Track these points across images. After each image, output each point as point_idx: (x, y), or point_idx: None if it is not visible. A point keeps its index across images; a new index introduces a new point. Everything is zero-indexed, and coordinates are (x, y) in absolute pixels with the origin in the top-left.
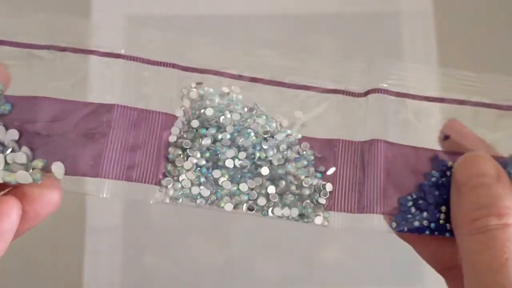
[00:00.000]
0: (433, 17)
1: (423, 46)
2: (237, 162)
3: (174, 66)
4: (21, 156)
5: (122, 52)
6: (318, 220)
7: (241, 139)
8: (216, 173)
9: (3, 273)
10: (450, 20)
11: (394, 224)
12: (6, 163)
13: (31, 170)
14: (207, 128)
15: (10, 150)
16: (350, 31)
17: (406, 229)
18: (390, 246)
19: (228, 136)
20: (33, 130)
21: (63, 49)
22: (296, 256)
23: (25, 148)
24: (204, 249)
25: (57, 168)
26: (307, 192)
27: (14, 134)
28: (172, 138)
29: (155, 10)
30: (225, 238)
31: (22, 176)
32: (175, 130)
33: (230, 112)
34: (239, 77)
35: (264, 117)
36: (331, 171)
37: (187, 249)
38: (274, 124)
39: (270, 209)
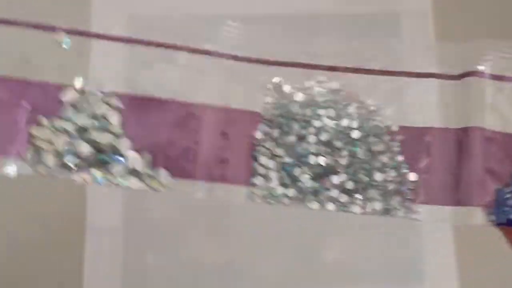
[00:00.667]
0: (433, 17)
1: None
2: (321, 159)
3: (257, 61)
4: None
5: (208, 48)
6: (407, 214)
7: (326, 134)
8: (300, 171)
9: (3, 273)
10: (449, 20)
11: (492, 217)
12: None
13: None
14: (292, 124)
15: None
16: (350, 31)
17: (505, 221)
18: (390, 246)
19: (313, 131)
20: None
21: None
22: (296, 255)
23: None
24: (204, 249)
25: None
26: (393, 185)
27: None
28: (258, 135)
29: (155, 10)
30: (225, 238)
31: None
32: (261, 127)
33: (316, 106)
34: (323, 68)
35: (353, 107)
36: (423, 162)
37: (187, 249)
38: (362, 114)
39: (355, 205)
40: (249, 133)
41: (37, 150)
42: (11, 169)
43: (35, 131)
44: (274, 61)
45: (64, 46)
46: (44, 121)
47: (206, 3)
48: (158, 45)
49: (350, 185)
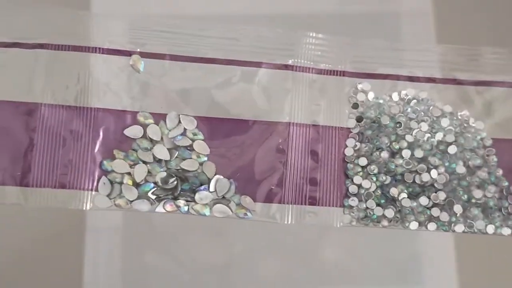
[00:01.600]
0: (433, 17)
1: None
2: (417, 177)
3: (342, 73)
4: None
5: (290, 62)
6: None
7: (420, 150)
8: (396, 190)
9: (3, 273)
10: (449, 20)
11: None
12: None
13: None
14: (383, 139)
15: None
16: (350, 31)
17: None
18: (390, 246)
19: (406, 145)
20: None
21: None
22: (296, 256)
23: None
24: (204, 249)
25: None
26: (493, 202)
27: None
28: (349, 152)
29: (155, 10)
30: (225, 238)
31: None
32: (350, 142)
33: (407, 118)
34: (411, 79)
35: (446, 120)
36: None
37: (187, 249)
38: (457, 127)
39: (455, 224)
40: (339, 151)
41: (114, 183)
42: (88, 204)
43: (109, 164)
44: (359, 73)
45: (141, 69)
46: (119, 153)
47: (217, 4)
48: (239, 63)
49: (450, 203)
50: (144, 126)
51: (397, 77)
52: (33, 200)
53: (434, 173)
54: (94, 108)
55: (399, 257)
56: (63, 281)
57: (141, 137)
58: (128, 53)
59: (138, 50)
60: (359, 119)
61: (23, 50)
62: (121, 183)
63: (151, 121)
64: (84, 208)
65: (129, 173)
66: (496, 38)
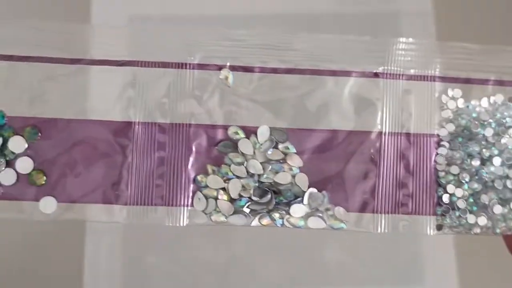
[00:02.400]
0: (433, 17)
1: None
2: (509, 183)
3: (432, 78)
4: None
5: (380, 70)
6: None
7: (510, 156)
8: (487, 197)
9: (4, 273)
10: (449, 20)
11: None
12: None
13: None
14: (474, 146)
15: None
16: (350, 31)
17: None
18: (390, 246)
19: (496, 152)
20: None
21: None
22: (297, 256)
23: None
24: (204, 249)
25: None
26: None
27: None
28: (440, 160)
29: (155, 10)
30: (226, 238)
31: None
32: (442, 150)
33: (496, 124)
34: (501, 83)
35: None
36: None
37: (187, 249)
38: None
39: None
40: (430, 158)
41: (208, 198)
42: (184, 219)
43: (203, 179)
44: (449, 77)
45: (230, 83)
46: (212, 168)
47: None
48: (328, 73)
49: None
50: (235, 141)
51: (486, 82)
52: (131, 217)
53: None
54: (186, 124)
55: (399, 258)
56: (63, 281)
57: (233, 152)
58: (218, 67)
59: (228, 64)
60: (449, 126)
61: (111, 67)
62: (216, 198)
63: (242, 135)
64: (181, 225)
65: (223, 188)
66: (497, 40)
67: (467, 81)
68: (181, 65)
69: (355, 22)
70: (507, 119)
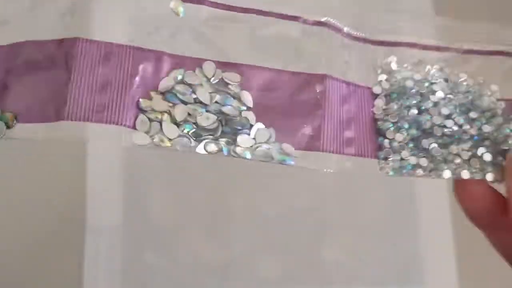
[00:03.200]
0: (433, 17)
1: None
2: (447, 130)
3: (365, 40)
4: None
5: (324, 20)
6: None
7: (446, 109)
8: (427, 142)
9: (4, 273)
10: (450, 20)
11: None
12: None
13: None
14: (410, 99)
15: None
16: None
17: None
18: (390, 246)
19: (431, 104)
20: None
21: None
22: (296, 256)
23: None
24: (204, 249)
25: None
26: None
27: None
28: (378, 110)
29: (155, 10)
30: (225, 238)
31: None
32: (379, 102)
33: (429, 82)
34: (436, 49)
35: (464, 84)
36: None
37: (187, 249)
38: (475, 90)
39: (486, 172)
40: (369, 108)
41: (152, 121)
42: (124, 139)
43: (146, 103)
44: (383, 41)
45: (181, 15)
46: (157, 93)
47: None
48: (276, 16)
49: (480, 151)
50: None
51: (422, 47)
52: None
53: (460, 129)
54: (132, 46)
55: (399, 258)
56: (63, 281)
57: (180, 83)
58: None
59: None
60: (385, 83)
61: None
62: (160, 121)
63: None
64: (121, 145)
65: (168, 112)
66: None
67: (397, 44)
68: None
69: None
70: (436, 78)
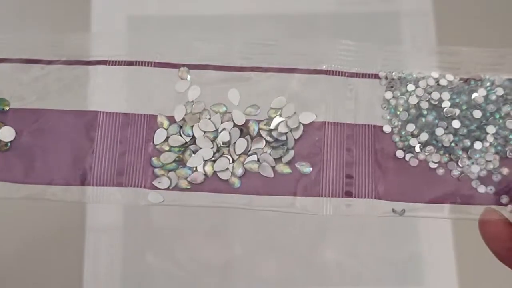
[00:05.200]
0: (433, 17)
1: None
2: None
3: (373, 76)
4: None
5: (324, 67)
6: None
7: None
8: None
9: (4, 273)
10: (450, 20)
11: None
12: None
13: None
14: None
15: None
16: (350, 31)
17: None
18: (390, 246)
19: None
20: None
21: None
22: (296, 256)
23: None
24: (204, 249)
25: None
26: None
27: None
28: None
29: (155, 10)
30: (225, 238)
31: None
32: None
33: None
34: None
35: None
36: None
37: (187, 249)
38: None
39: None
40: (373, 147)
41: (168, 176)
42: (146, 199)
43: (158, 160)
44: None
45: (188, 80)
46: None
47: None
48: (274, 70)
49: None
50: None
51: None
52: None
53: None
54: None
55: (399, 257)
56: (63, 280)
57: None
58: (174, 66)
59: (184, 63)
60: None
61: (84, 67)
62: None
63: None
64: (141, 204)
65: (179, 159)
66: (497, 40)
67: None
68: (141, 63)
69: (355, 23)
70: (442, 97)
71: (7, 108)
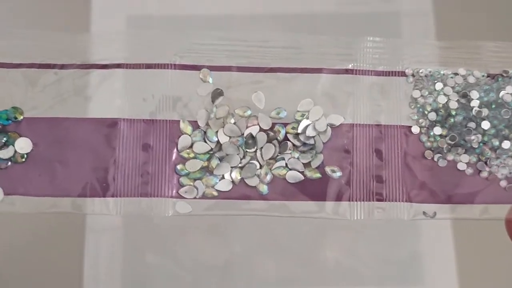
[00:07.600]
0: (433, 17)
1: None
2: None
3: (400, 74)
4: None
5: (350, 67)
6: None
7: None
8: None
9: (4, 273)
10: (450, 20)
11: None
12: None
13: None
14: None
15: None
16: (350, 31)
17: None
18: (390, 246)
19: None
20: None
21: None
22: (296, 256)
23: None
24: (204, 249)
25: None
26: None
27: None
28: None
29: (155, 10)
30: (225, 238)
31: None
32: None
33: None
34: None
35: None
36: None
37: (187, 249)
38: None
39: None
40: (401, 148)
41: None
42: (185, 208)
43: (182, 167)
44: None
45: (210, 82)
46: (189, 154)
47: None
48: (301, 71)
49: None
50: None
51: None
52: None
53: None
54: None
55: (399, 257)
56: (63, 281)
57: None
58: (197, 68)
59: (206, 64)
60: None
61: (100, 71)
62: (200, 178)
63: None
64: (167, 215)
65: (205, 167)
66: (496, 35)
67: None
68: (163, 66)
69: (355, 23)
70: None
71: (21, 117)
